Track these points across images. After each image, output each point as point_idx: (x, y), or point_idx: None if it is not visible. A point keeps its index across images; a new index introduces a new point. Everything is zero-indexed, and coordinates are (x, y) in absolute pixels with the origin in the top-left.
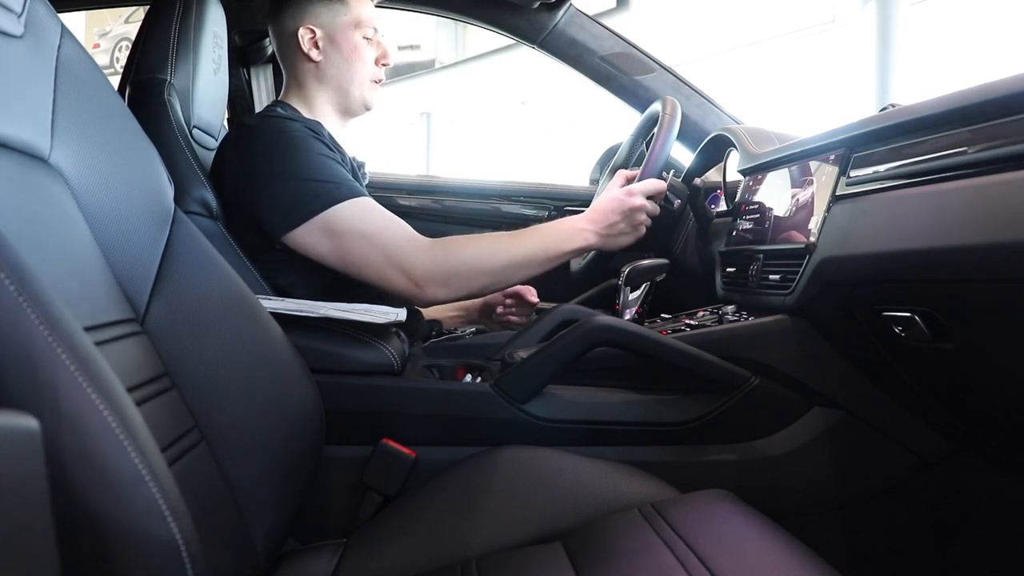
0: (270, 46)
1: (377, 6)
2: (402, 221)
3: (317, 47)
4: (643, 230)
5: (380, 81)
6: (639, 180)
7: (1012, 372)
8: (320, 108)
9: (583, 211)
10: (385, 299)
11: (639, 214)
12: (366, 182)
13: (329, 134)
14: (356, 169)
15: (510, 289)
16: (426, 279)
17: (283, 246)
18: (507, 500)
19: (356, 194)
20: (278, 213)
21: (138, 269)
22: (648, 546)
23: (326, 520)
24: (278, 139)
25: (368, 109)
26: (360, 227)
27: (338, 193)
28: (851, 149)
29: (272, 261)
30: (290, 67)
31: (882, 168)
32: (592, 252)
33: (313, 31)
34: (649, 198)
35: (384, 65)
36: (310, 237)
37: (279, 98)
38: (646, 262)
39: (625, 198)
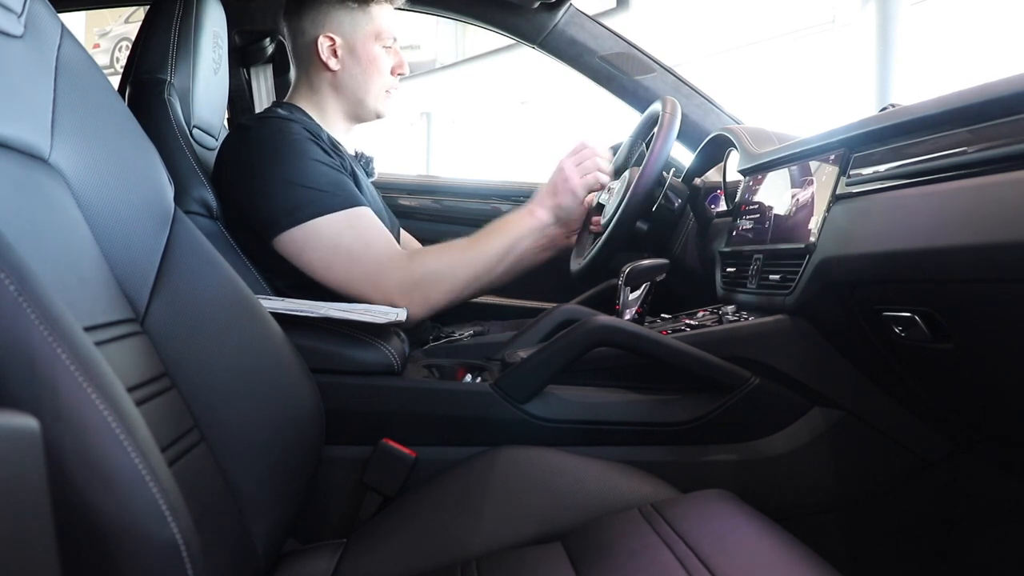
0: (270, 46)
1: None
2: (389, 236)
3: (336, 56)
4: (597, 176)
5: (394, 90)
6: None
7: (1012, 372)
8: (330, 114)
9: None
10: None
11: (584, 162)
12: (374, 178)
13: (329, 136)
14: (361, 167)
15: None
16: (406, 301)
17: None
18: (507, 500)
19: (348, 204)
20: (268, 216)
21: (138, 269)
22: (648, 546)
23: (326, 520)
24: (274, 141)
25: (380, 117)
26: (346, 241)
27: (328, 203)
28: (851, 149)
29: (271, 261)
30: (304, 72)
31: (882, 168)
32: (593, 251)
33: (333, 39)
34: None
35: (399, 75)
36: (295, 244)
37: (286, 99)
38: (646, 262)
39: (564, 158)
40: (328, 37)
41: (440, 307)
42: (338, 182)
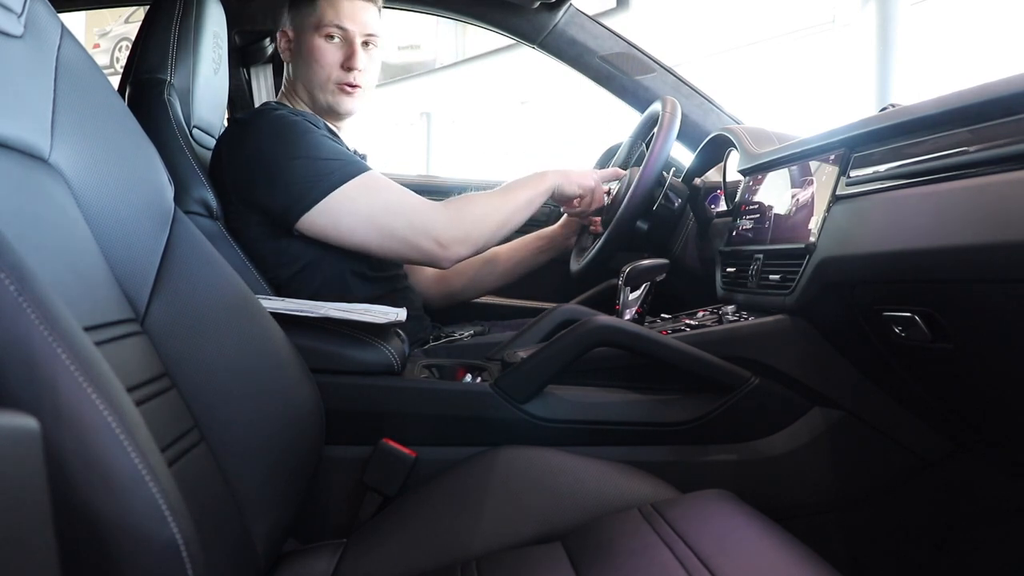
0: (270, 46)
1: (385, 6)
2: (407, 191)
3: (289, 50)
4: (591, 200)
5: (348, 85)
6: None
7: (1011, 372)
8: (304, 110)
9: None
10: (385, 299)
11: (598, 192)
12: None
13: (325, 124)
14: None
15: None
16: (450, 239)
17: (299, 233)
18: (507, 500)
19: (363, 169)
20: (292, 195)
21: (138, 269)
22: (648, 546)
23: (326, 520)
24: (276, 127)
25: (339, 114)
26: (381, 199)
27: (350, 169)
28: (851, 149)
29: (279, 252)
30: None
31: (882, 168)
32: (593, 251)
33: (287, 33)
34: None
35: (349, 69)
36: (328, 215)
37: (275, 100)
38: (646, 262)
39: (599, 172)
40: (283, 32)
41: (478, 248)
42: (346, 152)
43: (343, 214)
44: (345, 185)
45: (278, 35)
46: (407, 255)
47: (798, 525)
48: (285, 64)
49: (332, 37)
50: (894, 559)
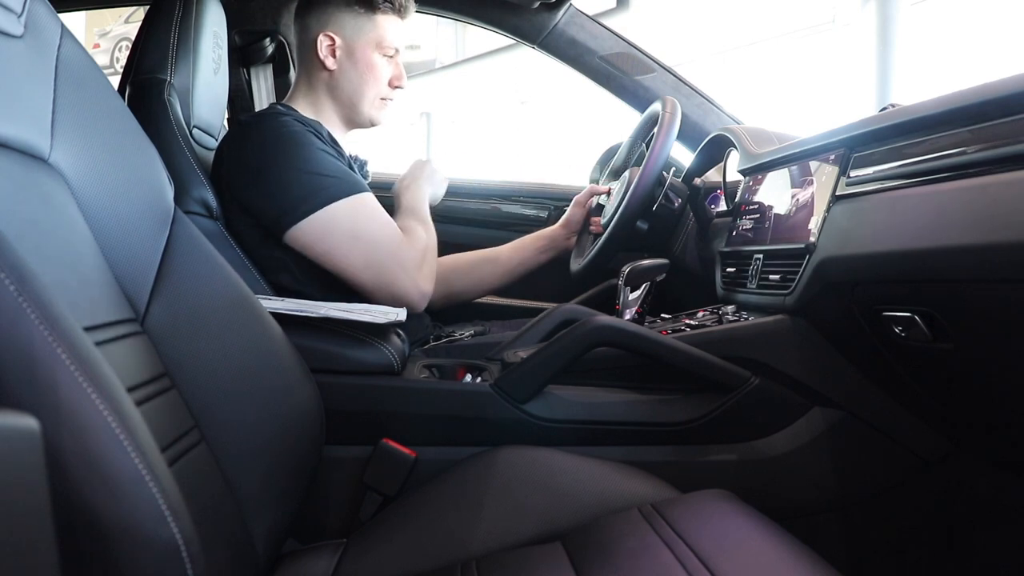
0: (270, 46)
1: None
2: (393, 221)
3: (334, 56)
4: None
5: (390, 100)
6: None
7: (1011, 372)
8: (326, 116)
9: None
10: None
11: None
12: (368, 181)
13: (329, 133)
14: (358, 169)
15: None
16: (421, 275)
17: (286, 244)
18: (507, 500)
19: (357, 190)
20: (281, 208)
21: (138, 269)
22: (648, 546)
23: (326, 520)
24: (278, 134)
25: (374, 125)
26: (368, 224)
27: (341, 189)
28: (851, 149)
29: (272, 258)
30: (304, 70)
31: (882, 168)
32: (593, 251)
33: (333, 39)
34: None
35: (397, 87)
36: (312, 233)
37: (284, 100)
38: (646, 262)
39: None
40: (328, 36)
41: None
42: (344, 170)
43: (328, 232)
44: (336, 203)
45: (319, 37)
46: (378, 286)
47: (798, 525)
48: (317, 69)
49: (389, 56)
50: (894, 559)
